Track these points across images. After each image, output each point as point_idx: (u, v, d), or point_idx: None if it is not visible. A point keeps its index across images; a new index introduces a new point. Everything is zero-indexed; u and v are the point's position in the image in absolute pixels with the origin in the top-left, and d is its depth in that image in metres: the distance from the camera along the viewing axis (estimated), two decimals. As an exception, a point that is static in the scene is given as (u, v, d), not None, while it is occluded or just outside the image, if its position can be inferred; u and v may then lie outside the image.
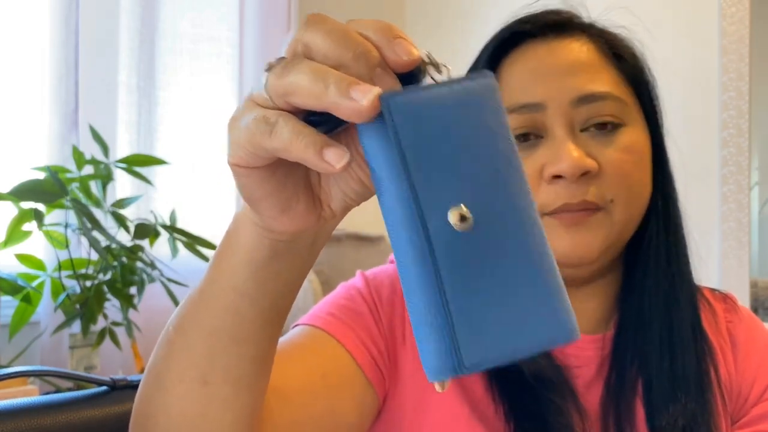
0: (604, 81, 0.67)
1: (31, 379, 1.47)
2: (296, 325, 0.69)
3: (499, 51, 0.70)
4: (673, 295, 0.70)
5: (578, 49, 0.69)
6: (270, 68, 0.38)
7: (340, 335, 0.65)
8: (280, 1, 2.42)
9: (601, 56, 0.69)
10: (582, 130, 0.67)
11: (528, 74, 0.68)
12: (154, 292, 1.82)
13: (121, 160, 1.75)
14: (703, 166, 1.99)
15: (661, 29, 2.09)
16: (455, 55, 2.78)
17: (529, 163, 0.66)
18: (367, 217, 3.04)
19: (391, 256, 0.76)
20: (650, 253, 0.71)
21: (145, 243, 1.74)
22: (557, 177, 0.64)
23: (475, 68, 0.72)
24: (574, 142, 0.65)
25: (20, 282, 1.66)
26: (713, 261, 1.98)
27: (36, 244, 1.77)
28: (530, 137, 0.67)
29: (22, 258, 1.73)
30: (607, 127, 0.66)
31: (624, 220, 0.67)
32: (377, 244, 2.62)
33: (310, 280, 2.27)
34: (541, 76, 0.67)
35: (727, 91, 1.96)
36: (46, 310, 1.80)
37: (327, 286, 2.32)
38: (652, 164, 0.70)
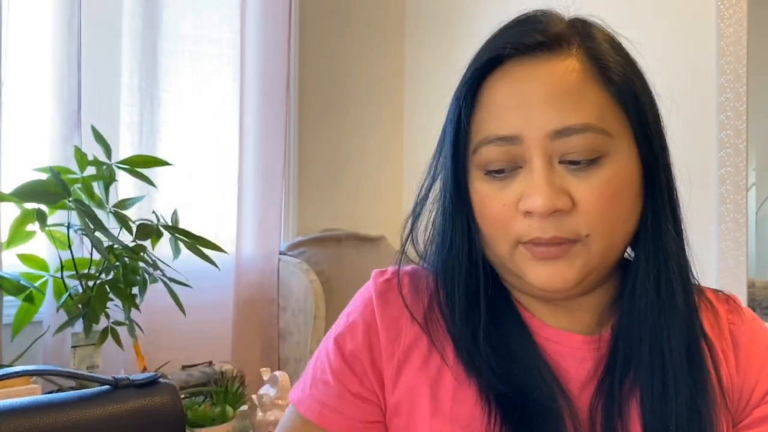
0: (586, 110, 0.64)
1: (34, 378, 1.48)
2: (293, 401, 0.75)
3: (481, 71, 0.68)
4: (668, 311, 0.69)
5: (562, 71, 0.65)
6: None
7: (320, 421, 0.72)
8: (281, 3, 2.43)
9: (586, 79, 0.65)
10: (560, 162, 0.64)
11: (506, 102, 0.65)
12: (156, 292, 1.83)
13: (123, 161, 1.75)
14: (701, 167, 2.00)
15: (658, 31, 2.09)
16: (455, 56, 2.78)
17: (507, 193, 0.65)
18: (367, 217, 3.05)
19: (373, 272, 0.78)
20: (638, 278, 0.69)
21: (147, 243, 1.75)
22: (529, 212, 0.64)
23: (461, 88, 0.69)
24: (549, 177, 0.63)
25: (23, 282, 1.67)
26: (711, 261, 1.99)
27: (39, 245, 1.78)
28: (504, 171, 0.66)
29: (25, 258, 1.74)
30: (581, 163, 0.64)
31: (603, 249, 0.65)
32: (377, 244, 2.63)
33: (312, 281, 2.28)
34: (519, 105, 0.65)
35: (725, 92, 1.96)
36: (48, 310, 1.81)
37: (327, 286, 2.33)
38: (643, 187, 0.68)
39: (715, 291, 0.78)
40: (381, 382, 0.72)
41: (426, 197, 0.75)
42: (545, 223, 0.64)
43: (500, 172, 0.66)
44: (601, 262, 0.66)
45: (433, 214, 0.74)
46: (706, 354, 0.70)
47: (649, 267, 0.69)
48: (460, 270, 0.70)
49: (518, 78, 0.66)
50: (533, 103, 0.64)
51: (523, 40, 0.66)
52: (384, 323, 0.73)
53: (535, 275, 0.65)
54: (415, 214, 0.75)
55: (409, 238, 0.76)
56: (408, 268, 0.77)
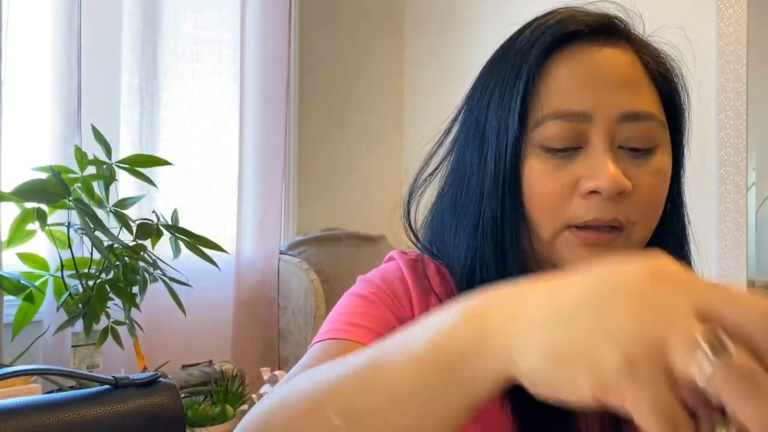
0: (649, 99, 0.66)
1: (34, 378, 1.48)
2: (317, 342, 0.67)
3: (548, 48, 0.66)
4: None
5: (626, 61, 0.66)
6: (715, 352, 0.32)
7: (366, 339, 0.65)
8: (281, 3, 2.43)
9: (644, 72, 0.67)
10: (620, 146, 0.65)
11: (577, 79, 0.65)
12: (156, 292, 1.83)
13: (123, 161, 1.75)
14: (701, 167, 2.00)
15: (657, 31, 2.09)
16: (454, 56, 2.78)
17: (566, 174, 0.64)
18: (367, 217, 3.05)
19: (392, 253, 0.77)
20: None
21: (147, 243, 1.76)
22: (593, 192, 0.63)
23: (521, 61, 0.66)
24: (613, 159, 0.63)
25: (23, 281, 1.67)
26: (711, 261, 1.99)
27: (39, 244, 1.78)
28: (566, 150, 0.64)
29: (25, 257, 1.74)
30: (640, 151, 0.65)
31: (640, 241, 0.67)
32: (377, 244, 2.63)
33: (311, 279, 2.28)
34: (591, 84, 0.65)
35: (725, 92, 1.96)
36: (48, 310, 1.81)
37: (327, 285, 2.33)
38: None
39: None
40: None
41: (426, 181, 0.75)
42: (606, 204, 0.63)
43: (562, 151, 0.64)
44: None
45: (436, 199, 0.74)
46: None
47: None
48: (485, 257, 0.67)
49: (587, 58, 0.66)
50: (605, 84, 0.64)
51: (592, 22, 0.67)
52: (416, 292, 0.71)
53: (578, 261, 0.64)
54: (418, 191, 0.75)
55: (408, 223, 0.76)
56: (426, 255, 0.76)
